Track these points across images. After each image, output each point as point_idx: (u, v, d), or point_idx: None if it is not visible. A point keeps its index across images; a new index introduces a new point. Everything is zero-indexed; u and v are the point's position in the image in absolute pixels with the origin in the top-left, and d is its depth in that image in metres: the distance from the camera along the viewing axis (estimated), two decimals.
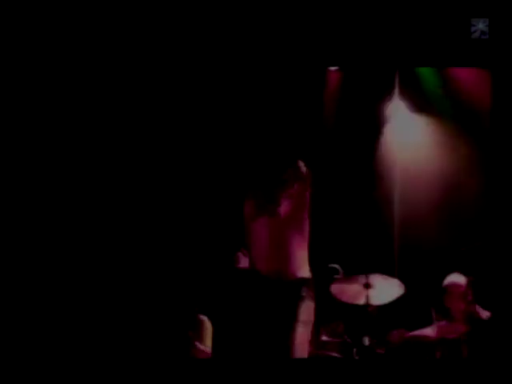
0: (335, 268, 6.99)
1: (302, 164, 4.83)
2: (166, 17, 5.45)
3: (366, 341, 6.57)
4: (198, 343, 6.53)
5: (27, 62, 5.64)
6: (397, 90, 7.51)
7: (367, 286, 6.64)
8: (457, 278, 6.43)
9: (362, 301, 6.67)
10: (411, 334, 6.50)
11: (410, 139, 7.60)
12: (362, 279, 6.66)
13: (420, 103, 7.57)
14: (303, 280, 4.79)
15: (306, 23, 5.28)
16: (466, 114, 7.17)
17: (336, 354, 6.61)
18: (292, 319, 4.69)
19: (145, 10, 5.51)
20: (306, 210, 4.84)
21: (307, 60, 5.43)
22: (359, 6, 5.10)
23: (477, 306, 6.28)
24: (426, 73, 7.40)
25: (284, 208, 4.75)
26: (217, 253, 6.79)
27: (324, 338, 6.70)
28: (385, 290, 6.67)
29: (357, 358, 6.59)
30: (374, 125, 7.69)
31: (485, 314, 6.25)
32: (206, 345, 6.61)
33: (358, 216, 7.55)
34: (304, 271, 4.82)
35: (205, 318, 6.75)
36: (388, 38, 5.11)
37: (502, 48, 4.91)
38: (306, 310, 4.75)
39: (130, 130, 6.94)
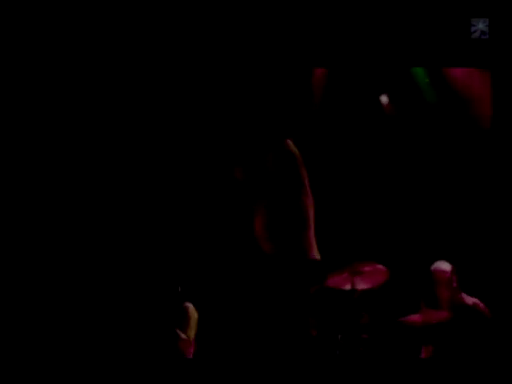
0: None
1: (290, 143, 4.69)
2: (163, 15, 5.37)
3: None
4: (181, 332, 6.47)
5: (27, 62, 5.53)
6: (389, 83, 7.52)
7: (353, 272, 6.71)
8: (442, 265, 6.51)
9: (347, 287, 6.75)
10: (398, 319, 6.58)
11: (400, 129, 7.62)
12: (349, 265, 6.72)
13: (411, 96, 7.58)
14: (306, 261, 4.64)
15: (307, 14, 5.24)
16: (454, 105, 7.20)
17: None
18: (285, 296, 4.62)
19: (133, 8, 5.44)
20: (305, 190, 4.67)
21: (303, 56, 5.40)
22: (361, 7, 5.09)
23: (462, 293, 6.39)
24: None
25: (275, 190, 4.61)
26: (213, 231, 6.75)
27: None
28: (371, 276, 6.75)
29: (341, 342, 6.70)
30: (366, 108, 7.65)
31: (470, 301, 6.35)
32: (190, 334, 6.55)
33: (345, 202, 7.56)
34: (309, 253, 4.64)
35: (190, 305, 6.70)
36: (388, 37, 5.10)
37: (502, 48, 4.95)
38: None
39: (115, 118, 6.86)
